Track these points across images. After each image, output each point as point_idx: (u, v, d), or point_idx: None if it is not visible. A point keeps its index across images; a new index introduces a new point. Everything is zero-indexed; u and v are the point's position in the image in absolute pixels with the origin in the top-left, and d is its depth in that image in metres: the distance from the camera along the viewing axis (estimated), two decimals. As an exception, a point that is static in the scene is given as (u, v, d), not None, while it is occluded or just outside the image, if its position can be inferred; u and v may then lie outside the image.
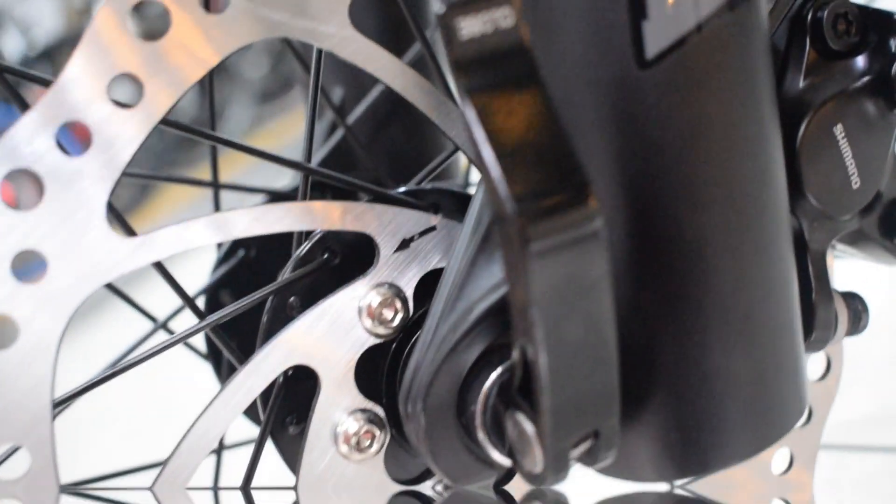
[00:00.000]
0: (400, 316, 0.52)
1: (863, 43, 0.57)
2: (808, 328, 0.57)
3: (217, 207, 0.73)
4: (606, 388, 0.43)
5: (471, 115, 0.40)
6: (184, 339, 0.54)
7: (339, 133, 0.75)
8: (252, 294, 0.54)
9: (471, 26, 0.40)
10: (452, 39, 0.40)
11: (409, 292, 0.53)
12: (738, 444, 0.48)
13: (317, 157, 0.77)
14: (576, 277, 0.41)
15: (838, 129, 0.56)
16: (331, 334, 0.52)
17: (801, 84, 0.56)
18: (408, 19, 0.56)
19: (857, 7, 0.57)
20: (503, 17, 0.41)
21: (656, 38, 0.43)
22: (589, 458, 0.45)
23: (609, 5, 0.43)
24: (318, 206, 0.51)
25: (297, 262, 0.55)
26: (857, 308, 0.60)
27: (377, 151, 0.79)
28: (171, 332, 0.70)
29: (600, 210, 0.40)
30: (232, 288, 0.73)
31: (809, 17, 0.56)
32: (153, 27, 0.46)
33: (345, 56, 0.49)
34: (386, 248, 0.52)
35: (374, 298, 0.52)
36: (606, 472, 0.50)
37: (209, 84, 0.72)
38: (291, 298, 0.55)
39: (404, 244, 0.52)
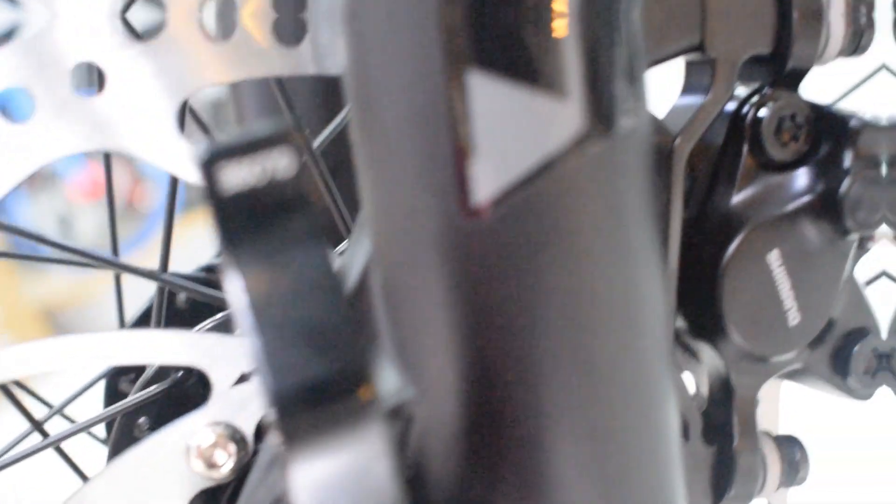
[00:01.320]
0: (233, 460, 0.45)
1: (812, 153, 0.47)
2: (728, 482, 0.49)
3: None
4: None
5: (234, 286, 0.33)
6: (25, 457, 0.48)
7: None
8: (99, 414, 0.48)
9: (238, 176, 0.33)
10: (215, 193, 0.33)
11: (249, 432, 0.45)
12: None
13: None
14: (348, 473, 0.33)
15: (773, 256, 0.47)
16: (155, 475, 0.45)
17: (733, 198, 0.47)
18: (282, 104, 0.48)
19: (810, 107, 0.47)
20: (281, 165, 0.33)
21: (487, 181, 0.35)
22: None
23: (432, 138, 0.35)
24: (140, 336, 0.44)
25: (147, 381, 0.48)
26: (792, 457, 0.51)
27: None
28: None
29: (373, 401, 0.33)
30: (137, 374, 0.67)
31: (749, 116, 0.47)
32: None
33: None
34: (221, 382, 0.45)
35: (206, 438, 0.45)
36: None
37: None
38: (141, 419, 0.49)
39: (243, 378, 0.45)
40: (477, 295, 0.37)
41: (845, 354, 0.50)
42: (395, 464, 0.36)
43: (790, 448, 0.51)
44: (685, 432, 0.49)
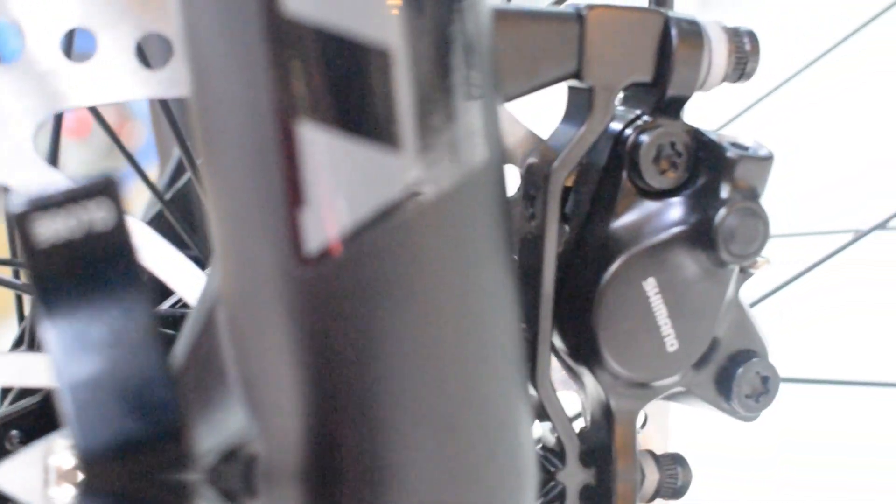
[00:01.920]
0: None
1: (691, 181, 0.47)
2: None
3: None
4: None
5: (47, 338, 0.32)
6: None
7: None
8: None
9: (53, 228, 0.32)
10: (29, 245, 0.32)
11: None
12: None
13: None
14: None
15: (650, 284, 0.47)
16: (16, 490, 0.45)
17: (611, 224, 0.47)
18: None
19: (691, 135, 0.47)
20: (99, 217, 0.33)
21: (320, 230, 0.35)
22: None
23: (265, 184, 0.35)
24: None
25: (19, 394, 0.48)
26: (673, 474, 0.51)
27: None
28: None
29: (186, 457, 0.32)
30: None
31: (629, 142, 0.47)
32: None
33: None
34: None
35: (67, 460, 0.45)
36: None
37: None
38: (13, 432, 0.49)
39: None
40: (315, 339, 0.37)
41: (729, 377, 0.50)
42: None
43: (672, 468, 0.51)
44: (561, 456, 0.49)
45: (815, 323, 1.35)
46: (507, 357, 0.40)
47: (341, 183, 0.34)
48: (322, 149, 0.34)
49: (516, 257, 0.49)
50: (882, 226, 0.67)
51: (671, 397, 0.52)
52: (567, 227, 0.48)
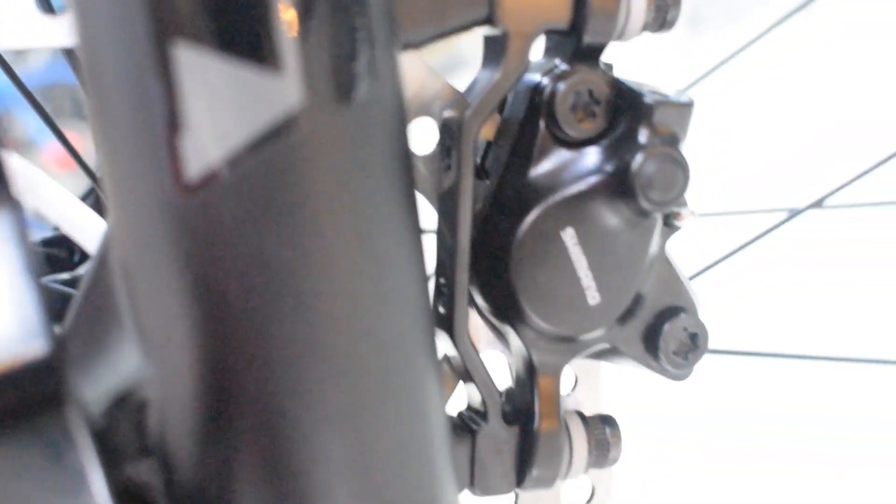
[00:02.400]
0: None
1: (610, 130, 0.46)
2: (529, 463, 0.48)
3: None
4: None
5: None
6: None
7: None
8: None
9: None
10: None
11: None
12: None
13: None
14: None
15: (568, 234, 0.46)
16: None
17: (529, 174, 0.46)
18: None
19: (610, 83, 0.46)
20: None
21: (200, 156, 0.34)
22: None
23: (145, 112, 0.34)
24: None
25: None
26: (602, 438, 0.50)
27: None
28: None
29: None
30: None
31: (546, 91, 0.46)
32: None
33: None
34: None
35: None
36: None
37: None
38: None
39: None
40: (202, 271, 0.36)
41: (656, 333, 0.49)
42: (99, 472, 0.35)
43: (601, 428, 0.50)
44: (483, 413, 0.48)
45: (749, 298, 1.37)
46: (409, 302, 0.39)
47: (220, 107, 0.34)
48: (198, 71, 0.33)
49: (437, 213, 0.48)
50: (818, 204, 0.67)
51: (601, 357, 0.51)
52: (487, 182, 0.48)
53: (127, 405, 0.40)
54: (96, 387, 0.39)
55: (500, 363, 0.51)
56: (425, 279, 0.40)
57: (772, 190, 1.47)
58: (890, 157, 0.65)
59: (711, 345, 0.50)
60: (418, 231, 0.39)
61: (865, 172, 0.65)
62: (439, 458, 0.41)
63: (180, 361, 0.37)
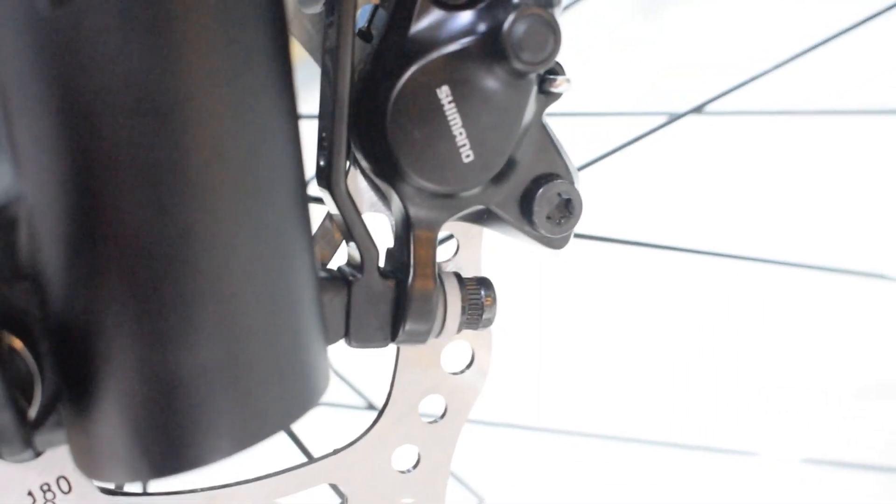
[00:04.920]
0: None
1: None
2: (401, 317, 0.50)
3: None
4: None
5: None
6: None
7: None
8: None
9: None
10: None
11: None
12: (216, 441, 0.41)
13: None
14: None
15: (443, 92, 0.48)
16: None
17: (406, 35, 0.48)
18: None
19: None
20: None
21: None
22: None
23: None
24: None
25: None
26: (476, 299, 0.52)
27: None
28: None
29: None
30: None
31: None
32: None
33: None
34: None
35: None
36: (83, 470, 0.44)
37: None
38: None
39: None
40: (70, 86, 0.37)
41: (531, 197, 0.51)
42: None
43: (476, 289, 0.52)
44: (360, 266, 0.50)
45: (626, 197, 1.41)
46: (277, 141, 0.41)
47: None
48: None
49: (322, 71, 0.50)
50: (698, 110, 0.69)
51: (481, 221, 0.53)
52: (371, 45, 0.49)
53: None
54: None
55: (383, 228, 0.53)
56: (297, 130, 0.42)
57: (654, 95, 1.51)
58: (772, 69, 0.67)
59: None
60: (291, 79, 0.41)
61: (747, 81, 0.68)
62: (304, 302, 0.43)
63: (48, 177, 0.39)
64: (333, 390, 0.79)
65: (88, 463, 0.43)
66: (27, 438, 0.40)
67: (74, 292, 0.40)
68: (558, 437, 1.04)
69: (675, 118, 0.68)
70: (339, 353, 0.52)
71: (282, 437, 0.62)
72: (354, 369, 0.75)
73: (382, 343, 0.51)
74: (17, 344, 0.42)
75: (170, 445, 0.41)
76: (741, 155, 1.45)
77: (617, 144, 0.68)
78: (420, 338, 0.51)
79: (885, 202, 1.39)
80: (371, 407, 0.77)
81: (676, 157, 1.35)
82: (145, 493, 0.53)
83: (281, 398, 0.42)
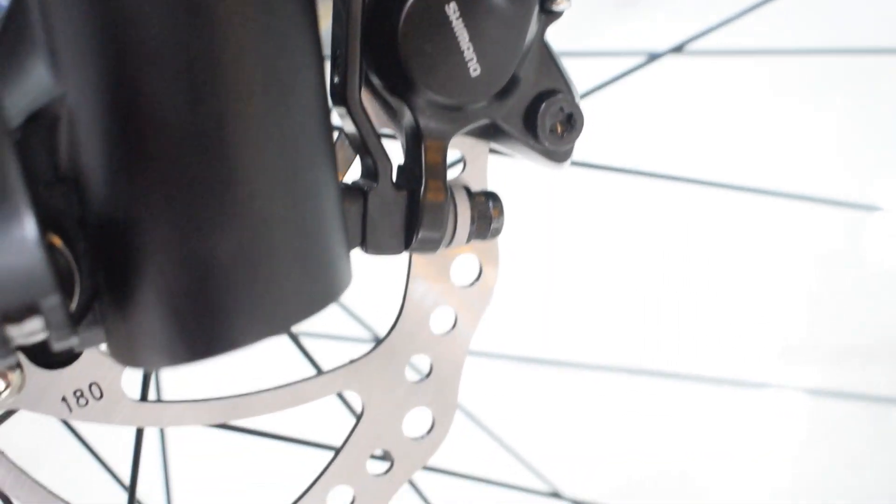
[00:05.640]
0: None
1: None
2: (414, 226, 0.53)
3: None
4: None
5: None
6: None
7: None
8: None
9: None
10: None
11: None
12: (248, 325, 0.44)
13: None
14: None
15: (451, 9, 0.50)
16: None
17: None
18: None
19: None
20: None
21: None
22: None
23: None
24: None
25: None
26: (485, 210, 0.55)
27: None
28: None
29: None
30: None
31: None
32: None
33: None
34: None
35: None
36: (122, 361, 0.47)
37: None
38: None
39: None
40: None
41: (535, 112, 0.54)
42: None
43: (484, 202, 0.55)
44: (374, 176, 0.53)
45: (608, 134, 1.44)
46: (303, 57, 0.44)
47: None
48: None
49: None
50: (678, 49, 0.71)
51: (486, 135, 0.55)
52: None
53: (40, 122, 0.44)
54: (12, 105, 0.44)
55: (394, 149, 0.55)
56: (319, 43, 0.45)
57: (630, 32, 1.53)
58: (752, 7, 0.70)
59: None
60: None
61: (727, 20, 0.70)
62: (328, 200, 0.46)
63: (89, 73, 0.41)
64: (340, 323, 0.82)
65: (128, 352, 0.45)
66: (74, 323, 0.42)
67: (114, 186, 0.43)
68: (567, 371, 1.07)
69: (654, 57, 0.70)
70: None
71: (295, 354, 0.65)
72: (361, 303, 0.78)
73: (396, 250, 0.54)
74: (57, 241, 0.45)
75: (205, 329, 0.44)
76: (721, 95, 1.47)
77: (596, 84, 0.71)
78: (432, 246, 0.53)
79: (865, 135, 1.42)
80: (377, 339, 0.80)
81: (656, 96, 1.37)
82: (172, 401, 0.55)
83: (308, 288, 0.45)
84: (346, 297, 0.54)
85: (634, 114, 1.41)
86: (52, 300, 0.40)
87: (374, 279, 0.73)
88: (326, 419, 0.65)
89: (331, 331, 0.76)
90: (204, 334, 0.44)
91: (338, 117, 0.53)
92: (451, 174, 0.56)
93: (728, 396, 1.08)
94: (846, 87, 1.45)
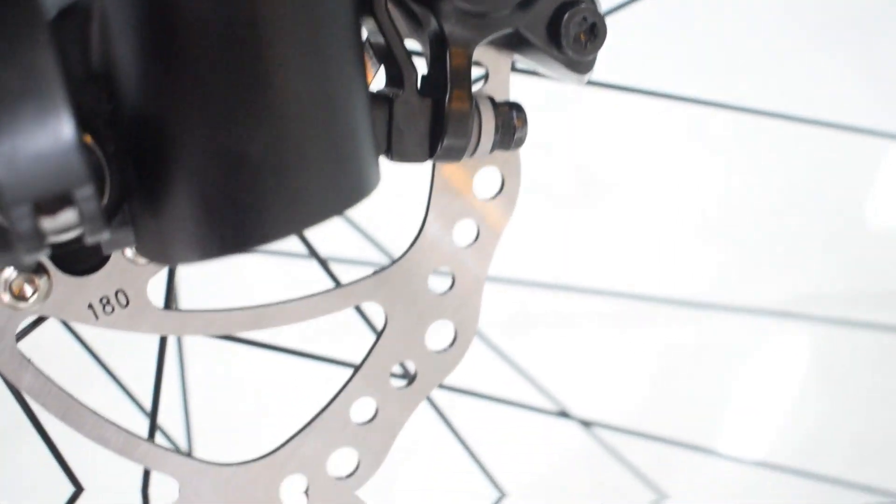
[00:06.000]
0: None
1: None
2: (440, 132, 0.53)
3: None
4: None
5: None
6: None
7: None
8: None
9: None
10: None
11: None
12: (278, 218, 0.45)
13: None
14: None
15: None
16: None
17: None
18: None
19: None
20: None
21: None
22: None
23: None
24: None
25: None
26: (508, 119, 0.55)
27: None
28: None
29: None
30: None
31: None
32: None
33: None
34: None
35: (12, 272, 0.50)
36: (153, 258, 0.47)
37: None
38: None
39: None
40: None
41: (558, 24, 0.54)
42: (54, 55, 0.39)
43: (508, 111, 0.55)
44: (400, 83, 0.53)
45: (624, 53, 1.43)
46: None
47: None
48: None
49: None
50: None
51: (511, 46, 0.56)
52: None
53: (72, 18, 0.44)
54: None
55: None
56: None
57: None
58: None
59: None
60: None
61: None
62: (358, 101, 0.46)
63: None
64: (360, 249, 0.82)
65: (159, 248, 0.46)
66: (106, 217, 0.43)
67: (148, 81, 0.43)
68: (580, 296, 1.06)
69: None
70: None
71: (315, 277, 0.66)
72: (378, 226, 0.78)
73: (421, 158, 0.54)
74: (88, 139, 0.45)
75: (237, 222, 0.44)
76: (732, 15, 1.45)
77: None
78: (456, 154, 0.54)
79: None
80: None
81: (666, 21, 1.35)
82: (197, 310, 0.56)
83: (337, 184, 0.46)
84: (367, 223, 0.54)
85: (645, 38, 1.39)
86: (86, 190, 0.40)
87: (394, 209, 0.73)
88: (345, 342, 0.65)
89: (351, 255, 0.76)
90: (236, 227, 0.44)
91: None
92: (475, 87, 0.56)
93: (742, 325, 1.09)
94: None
